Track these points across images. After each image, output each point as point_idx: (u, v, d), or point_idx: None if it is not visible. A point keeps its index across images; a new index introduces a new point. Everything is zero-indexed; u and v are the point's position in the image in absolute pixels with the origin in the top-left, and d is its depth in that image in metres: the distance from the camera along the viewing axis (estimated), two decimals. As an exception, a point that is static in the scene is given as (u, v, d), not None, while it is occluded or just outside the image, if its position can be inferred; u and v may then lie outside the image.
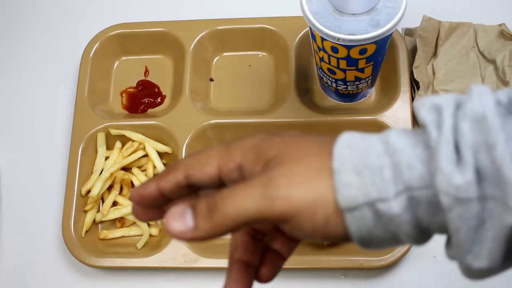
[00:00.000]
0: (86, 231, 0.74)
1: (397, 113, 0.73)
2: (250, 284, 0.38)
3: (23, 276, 0.76)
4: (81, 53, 0.82)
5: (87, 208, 0.74)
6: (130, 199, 0.37)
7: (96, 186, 0.73)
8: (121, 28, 0.83)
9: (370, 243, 0.34)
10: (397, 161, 0.32)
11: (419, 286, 0.71)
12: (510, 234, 0.30)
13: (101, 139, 0.77)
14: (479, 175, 0.30)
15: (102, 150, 0.77)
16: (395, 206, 0.32)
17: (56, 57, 0.88)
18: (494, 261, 0.31)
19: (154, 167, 0.76)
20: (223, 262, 0.70)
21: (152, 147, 0.76)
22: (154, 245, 0.73)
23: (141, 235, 0.74)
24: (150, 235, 0.74)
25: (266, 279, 0.40)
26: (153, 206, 0.37)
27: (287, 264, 0.69)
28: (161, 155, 0.77)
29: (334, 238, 0.34)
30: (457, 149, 0.31)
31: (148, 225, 0.75)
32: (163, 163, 0.77)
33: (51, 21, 0.91)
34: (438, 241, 0.75)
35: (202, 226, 0.33)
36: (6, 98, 0.86)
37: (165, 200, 0.37)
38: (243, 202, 0.32)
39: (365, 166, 0.32)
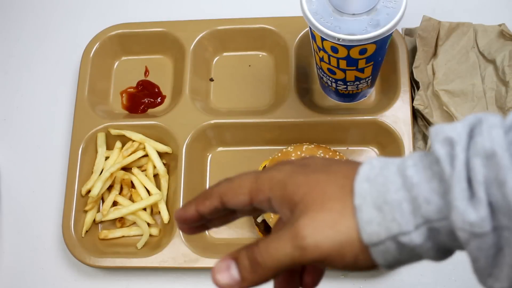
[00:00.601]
0: (86, 231, 0.74)
1: (397, 113, 0.73)
2: None
3: (23, 276, 0.76)
4: (81, 53, 0.82)
5: (87, 208, 0.74)
6: (175, 219, 0.41)
7: (96, 186, 0.73)
8: (121, 28, 0.83)
9: (397, 266, 0.37)
10: (415, 196, 0.34)
11: (419, 286, 0.71)
12: None
13: (101, 139, 0.77)
14: (493, 208, 0.32)
15: (102, 150, 0.77)
16: (416, 238, 0.34)
17: (56, 57, 0.88)
18: None
19: (154, 167, 0.76)
20: (223, 262, 0.70)
21: (152, 147, 0.77)
22: (154, 245, 0.73)
23: (141, 235, 0.74)
24: (150, 235, 0.74)
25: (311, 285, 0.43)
26: (195, 224, 0.42)
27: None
28: (161, 155, 0.77)
29: (365, 270, 0.37)
30: (470, 183, 0.32)
31: (148, 225, 0.75)
32: (163, 163, 0.77)
33: (51, 21, 0.91)
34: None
35: (247, 278, 0.37)
36: (6, 98, 0.86)
37: (206, 219, 0.42)
38: (278, 255, 0.36)
39: (385, 201, 0.34)
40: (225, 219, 0.43)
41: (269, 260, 0.36)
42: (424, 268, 0.71)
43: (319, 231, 0.35)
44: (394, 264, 0.36)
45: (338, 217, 0.35)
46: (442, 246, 0.35)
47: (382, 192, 0.35)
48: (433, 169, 0.34)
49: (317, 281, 0.43)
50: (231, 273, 0.37)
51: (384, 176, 0.35)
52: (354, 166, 0.37)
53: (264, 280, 0.37)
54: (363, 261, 0.36)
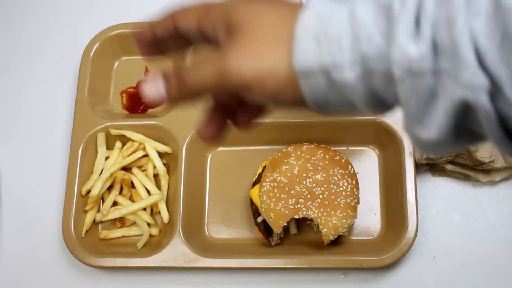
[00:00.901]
0: (86, 231, 0.74)
1: (397, 113, 0.73)
2: (224, 124, 0.44)
3: (23, 276, 0.76)
4: (81, 53, 0.82)
5: (87, 208, 0.74)
6: (133, 39, 0.43)
7: (96, 186, 0.73)
8: (121, 28, 0.83)
9: (325, 108, 0.36)
10: (357, 32, 0.33)
11: (419, 286, 0.71)
12: (459, 108, 0.30)
13: (101, 139, 0.77)
14: (436, 50, 0.30)
15: (102, 150, 0.77)
16: (348, 74, 0.33)
17: (56, 57, 0.88)
18: (442, 134, 0.32)
19: (154, 167, 0.76)
20: (223, 262, 0.71)
21: (152, 147, 0.76)
22: (154, 245, 0.73)
23: (141, 235, 0.74)
24: (150, 235, 0.74)
25: (243, 123, 0.45)
26: (152, 45, 0.43)
27: (287, 264, 0.70)
28: (161, 155, 0.77)
29: (288, 105, 0.37)
30: (418, 23, 0.31)
31: (148, 225, 0.75)
32: (163, 163, 0.77)
33: (51, 21, 0.91)
34: (438, 241, 0.76)
35: (171, 94, 0.39)
36: (6, 98, 0.86)
37: (162, 42, 0.42)
38: (202, 76, 0.37)
39: (325, 34, 0.34)
40: (180, 46, 0.43)
41: (194, 80, 0.38)
42: (424, 268, 0.71)
43: (244, 57, 0.36)
44: (322, 102, 0.36)
45: (268, 45, 0.36)
46: (374, 92, 0.34)
47: (324, 26, 0.34)
48: (383, 10, 0.33)
49: (249, 119, 0.44)
50: (157, 87, 0.39)
51: (331, 11, 0.34)
52: (301, 5, 0.37)
53: (187, 98, 0.39)
54: (286, 94, 0.36)
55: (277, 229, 0.68)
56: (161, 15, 0.42)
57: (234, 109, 0.44)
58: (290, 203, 0.67)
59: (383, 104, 0.35)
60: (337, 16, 0.34)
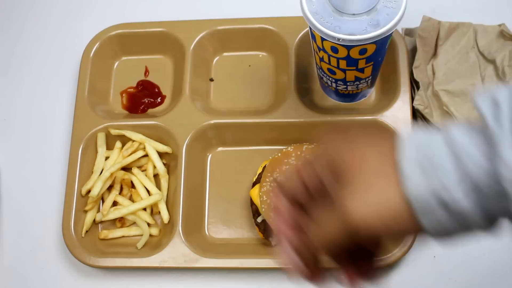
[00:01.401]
0: (86, 231, 0.74)
1: (397, 113, 0.73)
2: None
3: (23, 276, 0.76)
4: (81, 53, 0.82)
5: (87, 208, 0.74)
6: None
7: (96, 186, 0.74)
8: (121, 28, 0.83)
9: (446, 235, 0.37)
10: (459, 154, 0.34)
11: (419, 286, 0.71)
12: None
13: (101, 139, 0.77)
14: None
15: (102, 150, 0.77)
16: (459, 195, 0.34)
17: (56, 57, 0.88)
18: None
19: (154, 167, 0.76)
20: (223, 262, 0.71)
21: (152, 147, 0.77)
22: (154, 245, 0.73)
23: (141, 235, 0.74)
24: (150, 235, 0.74)
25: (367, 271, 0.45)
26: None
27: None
28: (161, 155, 0.77)
29: (404, 236, 0.40)
30: None
31: (148, 225, 0.75)
32: (163, 163, 0.77)
33: (51, 21, 0.91)
34: (438, 241, 0.75)
35: (307, 261, 0.41)
36: (6, 98, 0.86)
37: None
38: (330, 232, 0.39)
39: (429, 161, 0.35)
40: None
41: (323, 240, 0.39)
42: (424, 268, 0.71)
43: (361, 201, 0.37)
44: (440, 231, 0.36)
45: (379, 184, 0.37)
46: (487, 210, 0.35)
47: (425, 154, 0.35)
48: (478, 131, 0.35)
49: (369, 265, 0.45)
50: (292, 260, 0.41)
51: (428, 138, 0.36)
52: (397, 138, 0.38)
53: (321, 255, 0.41)
54: (410, 229, 0.37)
55: (277, 229, 0.68)
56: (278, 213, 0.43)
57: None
58: (290, 203, 0.67)
59: (494, 222, 0.36)
60: (435, 143, 0.36)
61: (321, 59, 0.66)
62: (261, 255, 0.71)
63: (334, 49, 0.61)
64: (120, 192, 0.77)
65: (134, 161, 0.77)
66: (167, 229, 0.74)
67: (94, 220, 0.75)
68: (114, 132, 0.77)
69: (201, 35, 0.81)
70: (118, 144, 0.78)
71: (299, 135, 0.75)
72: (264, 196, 0.68)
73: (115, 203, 0.76)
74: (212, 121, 0.76)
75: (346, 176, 0.38)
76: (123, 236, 0.75)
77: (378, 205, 0.36)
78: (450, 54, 0.77)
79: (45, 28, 0.90)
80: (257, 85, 0.81)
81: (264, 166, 0.72)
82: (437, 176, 0.34)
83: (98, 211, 0.76)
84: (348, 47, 0.60)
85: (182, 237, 0.71)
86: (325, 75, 0.70)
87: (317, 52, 0.66)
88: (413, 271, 0.71)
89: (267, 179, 0.69)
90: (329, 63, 0.65)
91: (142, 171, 0.77)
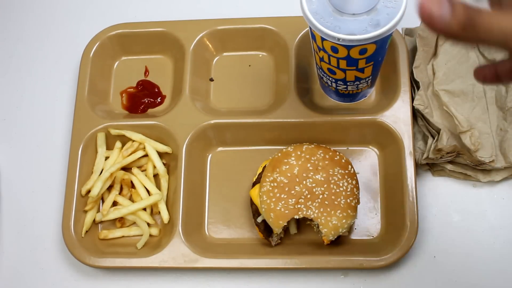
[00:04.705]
0: (86, 231, 0.74)
1: (397, 113, 0.73)
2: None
3: (23, 276, 0.76)
4: (81, 53, 0.82)
5: (87, 208, 0.74)
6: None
7: (96, 186, 0.74)
8: (121, 28, 0.83)
9: None
10: None
11: (419, 286, 0.71)
12: None
13: (101, 139, 0.77)
14: None
15: (102, 150, 0.77)
16: None
17: (56, 57, 0.88)
18: None
19: (154, 167, 0.76)
20: (223, 262, 0.71)
21: (152, 147, 0.77)
22: (154, 245, 0.73)
23: (141, 235, 0.74)
24: (150, 235, 0.74)
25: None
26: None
27: (287, 264, 0.70)
28: (161, 155, 0.77)
29: None
30: None
31: (148, 225, 0.75)
32: (163, 163, 0.77)
33: (51, 21, 0.91)
34: (438, 241, 0.76)
35: (452, 26, 0.35)
36: (6, 98, 0.86)
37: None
38: (501, 27, 0.34)
39: None
40: None
41: (488, 26, 0.35)
42: (424, 268, 0.71)
43: None
44: None
45: None
46: None
47: None
48: None
49: None
50: (442, 7, 0.35)
51: None
52: None
53: (465, 40, 0.36)
54: None
55: (277, 229, 0.68)
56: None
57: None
58: (290, 203, 0.67)
59: None
60: None
61: (321, 59, 0.66)
62: (261, 255, 0.71)
63: (334, 49, 0.61)
64: (120, 192, 0.77)
65: (134, 161, 0.77)
66: (167, 229, 0.74)
67: (94, 220, 0.75)
68: (114, 132, 0.77)
69: (201, 35, 0.81)
70: (118, 144, 0.78)
71: (299, 135, 0.75)
72: (264, 196, 0.68)
73: (115, 203, 0.76)
74: (212, 121, 0.76)
75: None
76: (123, 236, 0.75)
77: None
78: (450, 54, 0.77)
79: (45, 28, 0.90)
80: (257, 85, 0.81)
81: (264, 166, 0.72)
82: None
83: (98, 211, 0.76)
84: (348, 47, 0.60)
85: (182, 237, 0.71)
86: (325, 75, 0.70)
87: (317, 52, 0.66)
88: (413, 271, 0.71)
89: (267, 179, 0.69)
90: (329, 63, 0.65)
91: (142, 171, 0.77)
